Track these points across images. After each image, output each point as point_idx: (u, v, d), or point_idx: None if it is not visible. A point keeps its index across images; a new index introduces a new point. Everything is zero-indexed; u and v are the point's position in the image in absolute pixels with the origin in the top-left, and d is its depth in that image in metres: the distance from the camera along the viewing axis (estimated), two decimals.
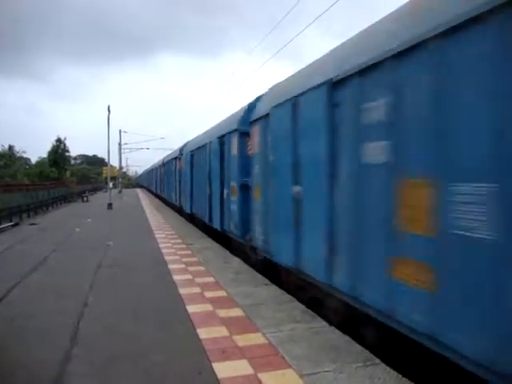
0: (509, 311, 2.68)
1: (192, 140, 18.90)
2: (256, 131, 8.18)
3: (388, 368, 4.04)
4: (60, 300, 6.54)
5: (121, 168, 57.62)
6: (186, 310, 5.95)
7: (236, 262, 9.49)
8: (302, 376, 3.91)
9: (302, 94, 5.85)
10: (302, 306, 6.06)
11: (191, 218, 17.70)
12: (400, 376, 3.86)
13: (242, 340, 4.82)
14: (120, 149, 49.89)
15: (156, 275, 8.22)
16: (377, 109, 4.09)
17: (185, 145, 20.17)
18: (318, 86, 5.26)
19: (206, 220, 13.38)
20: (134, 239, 13.39)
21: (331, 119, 5.00)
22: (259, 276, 8.03)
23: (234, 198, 9.88)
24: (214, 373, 4.01)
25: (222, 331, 5.12)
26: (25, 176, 53.57)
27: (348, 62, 4.73)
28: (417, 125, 3.54)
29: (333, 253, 4.96)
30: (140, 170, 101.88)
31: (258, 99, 8.97)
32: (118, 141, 49.20)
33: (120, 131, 48.73)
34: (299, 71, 6.92)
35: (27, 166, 67.20)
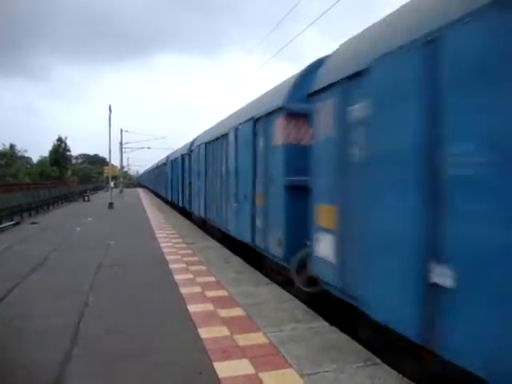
0: None
1: (206, 131, 16.01)
2: (324, 108, 5.27)
3: (388, 368, 4.04)
4: (60, 300, 6.54)
5: (122, 167, 57.62)
6: (186, 310, 5.95)
7: (237, 261, 9.48)
8: (302, 376, 3.90)
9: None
10: (303, 306, 6.06)
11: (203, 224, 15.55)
12: (400, 376, 3.86)
13: (242, 339, 4.81)
14: (121, 148, 49.91)
15: (157, 275, 8.21)
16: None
17: (195, 139, 17.71)
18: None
19: (231, 230, 10.35)
20: (134, 239, 13.39)
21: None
22: (260, 275, 8.03)
23: (278, 202, 7.17)
24: (215, 372, 4.01)
25: (222, 331, 5.12)
26: (26, 175, 53.68)
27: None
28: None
29: None
30: (141, 170, 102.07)
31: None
32: (119, 140, 49.24)
33: (121, 130, 48.78)
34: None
35: (28, 166, 67.31)
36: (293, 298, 6.49)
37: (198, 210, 15.45)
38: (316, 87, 5.50)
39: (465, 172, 3.03)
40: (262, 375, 3.94)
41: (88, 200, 36.06)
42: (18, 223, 18.64)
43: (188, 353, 4.51)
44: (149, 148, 61.88)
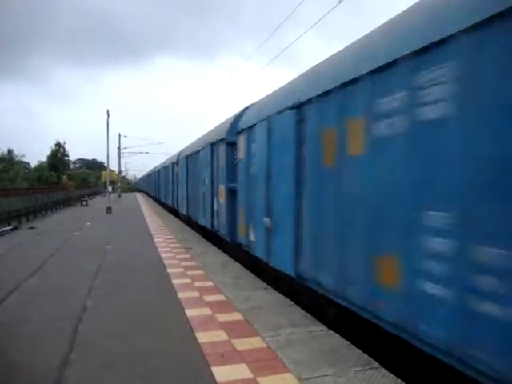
0: None
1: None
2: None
3: (387, 372, 4.04)
4: (58, 305, 6.52)
5: (120, 172, 57.58)
6: (184, 314, 5.94)
7: (235, 266, 9.47)
8: (300, 380, 3.90)
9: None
10: (302, 311, 6.05)
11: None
12: (399, 380, 3.86)
13: (240, 344, 4.81)
14: (119, 153, 49.89)
15: (155, 279, 8.20)
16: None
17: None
18: None
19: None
20: (133, 243, 13.37)
21: None
22: (258, 280, 8.02)
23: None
24: (213, 377, 4.00)
25: (220, 335, 5.11)
26: (24, 180, 53.58)
27: None
28: None
29: None
30: (139, 175, 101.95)
31: None
32: (117, 145, 49.21)
33: (119, 135, 48.76)
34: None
35: (26, 170, 67.21)
36: (291, 303, 6.49)
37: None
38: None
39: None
40: (260, 380, 3.94)
41: (86, 205, 36.00)
42: (15, 228, 18.61)
43: (186, 357, 4.50)
44: (147, 153, 62.02)
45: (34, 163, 72.14)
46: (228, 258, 10.47)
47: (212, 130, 13.53)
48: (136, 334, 5.20)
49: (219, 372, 4.11)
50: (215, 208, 11.84)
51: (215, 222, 11.92)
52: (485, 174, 3.03)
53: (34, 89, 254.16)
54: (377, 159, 4.27)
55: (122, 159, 55.53)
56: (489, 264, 2.96)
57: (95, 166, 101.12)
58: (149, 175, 54.92)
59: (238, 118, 10.23)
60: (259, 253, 8.02)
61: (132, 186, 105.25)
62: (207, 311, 6.09)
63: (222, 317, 5.81)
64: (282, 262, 6.82)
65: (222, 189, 10.88)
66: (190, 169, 16.89)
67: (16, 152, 66.96)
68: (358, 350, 4.58)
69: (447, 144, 3.35)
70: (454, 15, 3.35)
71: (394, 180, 4.02)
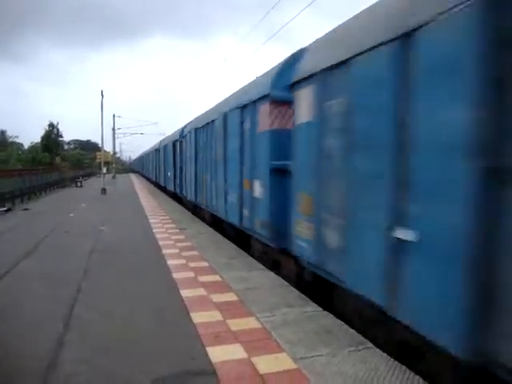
0: None
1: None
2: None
3: (380, 351, 4.07)
4: (53, 286, 6.51)
5: (115, 153, 57.22)
6: (179, 295, 5.94)
7: (229, 246, 9.48)
8: (295, 360, 3.92)
9: None
10: (297, 291, 6.07)
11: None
12: (392, 360, 3.89)
13: (235, 324, 4.82)
14: (114, 134, 49.44)
15: (150, 260, 8.20)
16: None
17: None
18: None
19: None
20: (128, 224, 13.35)
21: None
22: (253, 261, 8.04)
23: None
24: (208, 357, 4.02)
25: (215, 316, 5.12)
26: (18, 161, 53.19)
27: None
28: None
29: None
30: (133, 155, 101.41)
31: None
32: (112, 126, 48.73)
33: (114, 116, 48.23)
34: None
35: (20, 152, 66.67)
36: (286, 283, 6.50)
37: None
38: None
39: None
40: (254, 359, 3.96)
41: (81, 186, 35.86)
42: (9, 209, 18.49)
43: (180, 338, 4.51)
44: (141, 134, 61.58)
45: (27, 144, 71.63)
46: (222, 238, 10.47)
47: (241, 90, 9.71)
48: (131, 315, 5.20)
49: (214, 352, 4.12)
50: (246, 196, 8.42)
51: (247, 215, 8.40)
52: None
53: (20, 68, 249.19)
54: None
55: (116, 140, 55.11)
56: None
57: (90, 147, 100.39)
58: (146, 155, 50.88)
59: (290, 63, 6.75)
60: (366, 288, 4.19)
61: (127, 167, 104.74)
62: (202, 291, 6.10)
63: (216, 297, 5.82)
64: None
65: (262, 169, 7.49)
66: (200, 146, 13.38)
67: (9, 133, 66.40)
68: (351, 331, 4.60)
69: None
70: None
71: None
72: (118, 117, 49.22)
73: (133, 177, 59.96)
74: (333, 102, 4.88)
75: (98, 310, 5.39)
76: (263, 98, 7.36)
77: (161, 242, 9.92)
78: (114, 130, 48.62)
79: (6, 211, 17.91)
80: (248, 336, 4.51)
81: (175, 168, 19.86)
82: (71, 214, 15.80)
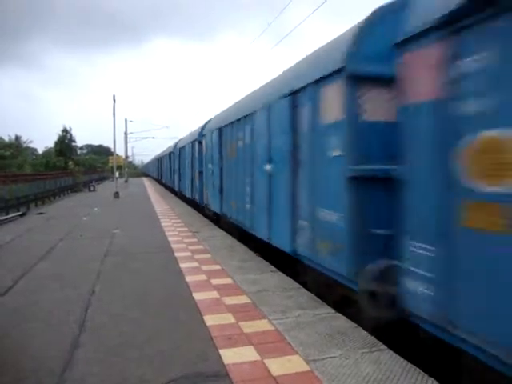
0: None
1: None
2: None
3: (394, 353, 4.05)
4: (67, 289, 6.59)
5: (127, 157, 57.66)
6: (192, 298, 5.98)
7: (242, 249, 9.50)
8: (308, 362, 3.92)
9: None
10: (309, 293, 6.07)
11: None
12: (406, 362, 3.87)
13: (248, 327, 4.84)
14: (126, 138, 49.84)
15: (162, 263, 8.25)
16: None
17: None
18: None
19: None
20: (140, 227, 13.45)
21: None
22: (265, 263, 8.05)
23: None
24: (221, 359, 4.04)
25: (228, 318, 5.14)
26: (32, 166, 53.87)
27: None
28: None
29: None
30: (145, 159, 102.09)
31: None
32: (124, 130, 49.14)
33: (126, 120, 48.65)
34: None
35: (34, 156, 67.55)
36: (298, 285, 6.50)
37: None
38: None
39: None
40: (267, 362, 3.96)
41: (94, 190, 36.18)
42: (24, 214, 18.76)
43: (194, 340, 4.53)
44: (153, 138, 61.94)
45: (41, 149, 72.56)
46: (235, 240, 10.49)
47: (314, 58, 6.36)
48: (144, 318, 5.25)
49: (227, 354, 4.14)
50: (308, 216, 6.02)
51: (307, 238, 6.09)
52: None
53: (30, 74, 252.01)
54: None
55: (128, 144, 55.55)
56: None
57: (102, 152, 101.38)
58: (157, 160, 49.17)
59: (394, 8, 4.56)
60: None
61: (139, 171, 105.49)
62: (215, 294, 6.12)
63: (229, 300, 5.84)
64: None
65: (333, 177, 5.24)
66: (226, 147, 11.34)
67: (24, 138, 67.32)
68: (364, 332, 4.59)
69: None
70: None
71: None
72: (130, 121, 49.64)
73: (145, 180, 60.35)
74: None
75: (111, 313, 5.45)
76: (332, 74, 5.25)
77: (173, 245, 9.98)
78: (126, 134, 49.07)
79: (21, 215, 18.17)
80: (261, 338, 4.52)
81: (192, 172, 17.83)
82: (85, 218, 15.96)
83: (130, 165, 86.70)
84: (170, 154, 30.91)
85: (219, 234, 11.86)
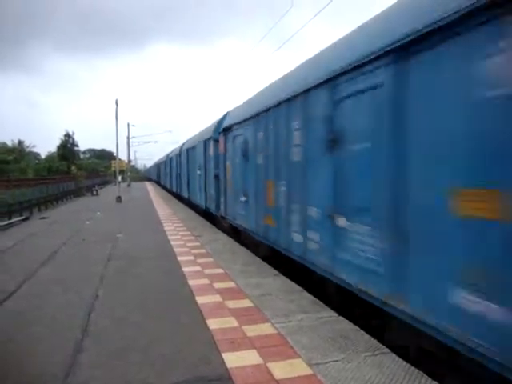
0: None
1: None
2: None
3: (396, 357, 4.05)
4: (70, 293, 6.61)
5: (129, 161, 57.82)
6: (195, 301, 5.99)
7: (244, 253, 9.51)
8: (311, 365, 3.92)
9: None
10: (311, 297, 6.07)
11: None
12: (408, 365, 3.87)
13: (251, 330, 4.84)
14: (128, 142, 50.03)
15: (165, 267, 8.26)
16: None
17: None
18: None
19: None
20: (143, 232, 13.47)
21: None
22: (268, 267, 8.05)
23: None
24: (224, 362, 4.04)
25: (231, 322, 5.15)
26: (35, 171, 54.09)
27: None
28: None
29: None
30: (148, 163, 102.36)
31: None
32: (126, 134, 49.35)
33: (128, 125, 48.86)
34: None
35: (37, 161, 67.80)
36: (301, 288, 6.51)
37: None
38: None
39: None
40: (270, 365, 3.97)
41: (96, 194, 36.26)
42: (27, 218, 18.81)
43: (196, 343, 4.54)
44: (156, 142, 62.09)
45: (44, 153, 72.83)
46: (237, 244, 10.50)
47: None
48: (147, 322, 5.26)
49: (230, 358, 4.15)
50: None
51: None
52: None
53: (31, 79, 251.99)
54: None
55: (130, 148, 55.71)
56: None
57: (104, 156, 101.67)
58: (162, 163, 46.30)
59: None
60: None
61: (141, 176, 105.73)
62: (218, 298, 6.13)
63: (232, 303, 5.85)
64: None
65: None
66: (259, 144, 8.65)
67: (27, 143, 67.61)
68: (367, 336, 4.59)
69: None
70: None
71: None
72: (133, 126, 49.83)
73: (148, 185, 60.43)
74: None
75: (114, 317, 5.46)
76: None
77: (176, 249, 10.00)
78: (128, 138, 49.27)
79: (24, 220, 18.22)
80: (263, 342, 4.53)
81: (206, 176, 15.33)
82: (88, 222, 16.00)
83: (133, 169, 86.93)
84: (175, 156, 28.17)
85: (222, 237, 11.87)
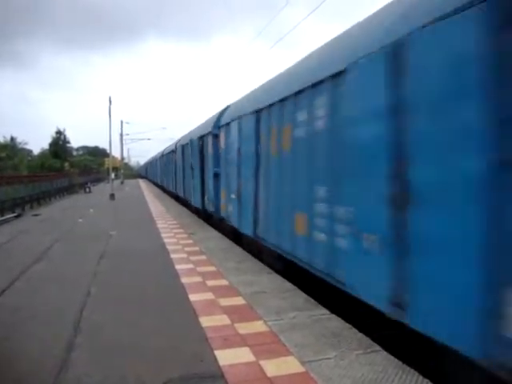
0: None
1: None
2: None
3: (388, 355, 4.07)
4: (63, 290, 6.59)
5: (123, 159, 57.60)
6: (187, 299, 5.98)
7: (237, 251, 9.51)
8: (303, 363, 3.93)
9: None
10: (305, 295, 6.08)
11: None
12: (400, 363, 3.89)
13: (243, 328, 4.85)
14: (122, 139, 49.85)
15: (158, 265, 8.25)
16: None
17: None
18: None
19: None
20: (136, 229, 13.43)
21: None
22: (261, 265, 8.06)
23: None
24: (216, 360, 4.04)
25: (223, 319, 5.15)
26: (27, 168, 53.75)
27: None
28: None
29: None
30: (142, 161, 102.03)
31: None
32: (119, 131, 49.16)
33: (122, 122, 48.68)
34: None
35: (30, 158, 67.38)
36: (294, 286, 6.52)
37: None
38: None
39: None
40: (262, 363, 3.97)
41: (89, 191, 36.12)
42: (19, 215, 18.71)
43: (189, 341, 4.54)
44: (149, 139, 61.88)
45: (37, 150, 72.39)
46: (230, 242, 10.50)
47: None
48: (140, 319, 5.25)
49: (222, 355, 4.14)
50: None
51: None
52: None
53: (26, 73, 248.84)
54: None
55: (124, 146, 55.50)
56: None
57: (98, 153, 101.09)
58: (155, 160, 44.06)
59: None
60: None
61: (135, 173, 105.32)
62: (210, 296, 6.13)
63: (224, 301, 5.85)
64: None
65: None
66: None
67: (19, 140, 67.11)
68: (360, 334, 4.61)
69: None
70: None
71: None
72: (126, 123, 49.69)
73: (141, 182, 60.26)
74: None
75: (107, 314, 5.45)
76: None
77: (169, 247, 9.98)
78: (121, 135, 49.09)
79: (16, 217, 18.12)
80: (256, 339, 4.53)
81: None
82: (81, 220, 15.93)
83: (126, 166, 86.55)
84: (169, 153, 26.33)
85: (215, 235, 11.86)
